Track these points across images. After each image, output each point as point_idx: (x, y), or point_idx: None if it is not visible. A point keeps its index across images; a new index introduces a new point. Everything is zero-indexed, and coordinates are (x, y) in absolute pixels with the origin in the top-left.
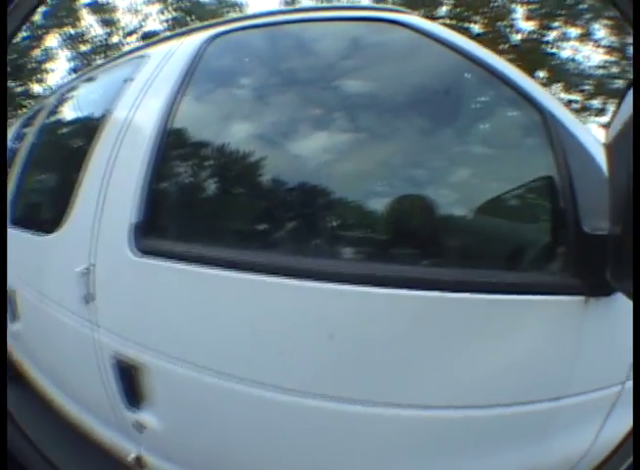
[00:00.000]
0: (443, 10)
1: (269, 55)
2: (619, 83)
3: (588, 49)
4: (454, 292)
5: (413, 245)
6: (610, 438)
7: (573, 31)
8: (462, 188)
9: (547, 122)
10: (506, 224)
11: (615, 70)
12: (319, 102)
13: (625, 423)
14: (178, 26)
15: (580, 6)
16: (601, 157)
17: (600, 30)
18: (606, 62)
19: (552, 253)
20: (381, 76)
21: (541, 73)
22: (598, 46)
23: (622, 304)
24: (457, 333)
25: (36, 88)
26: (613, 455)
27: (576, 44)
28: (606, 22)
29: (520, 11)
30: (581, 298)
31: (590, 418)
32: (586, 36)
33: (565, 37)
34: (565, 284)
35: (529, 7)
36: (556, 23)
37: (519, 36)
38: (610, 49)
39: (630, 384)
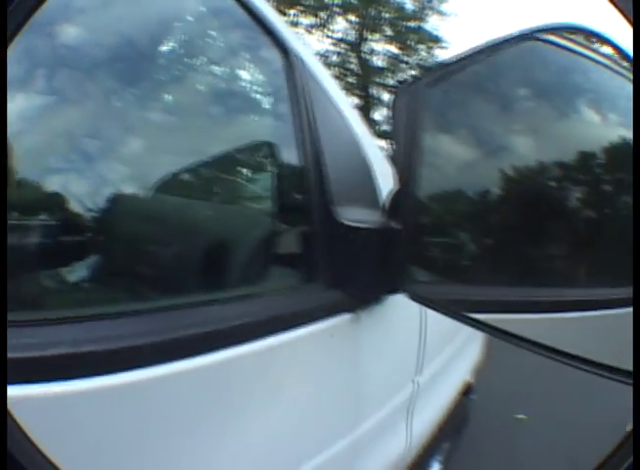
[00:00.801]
0: None
1: None
2: (335, 71)
3: (315, 38)
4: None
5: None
6: (421, 429)
7: (307, 20)
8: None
9: (293, 71)
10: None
11: (335, 58)
12: None
13: (429, 411)
14: None
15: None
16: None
17: (339, 24)
18: (327, 51)
19: (294, 260)
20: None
21: None
22: (329, 37)
23: (393, 303)
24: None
25: None
26: (613, 455)
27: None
28: (353, 17)
29: None
30: (350, 314)
31: (396, 421)
32: (320, 27)
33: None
34: (322, 303)
35: None
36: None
37: None
38: (340, 41)
39: (421, 378)
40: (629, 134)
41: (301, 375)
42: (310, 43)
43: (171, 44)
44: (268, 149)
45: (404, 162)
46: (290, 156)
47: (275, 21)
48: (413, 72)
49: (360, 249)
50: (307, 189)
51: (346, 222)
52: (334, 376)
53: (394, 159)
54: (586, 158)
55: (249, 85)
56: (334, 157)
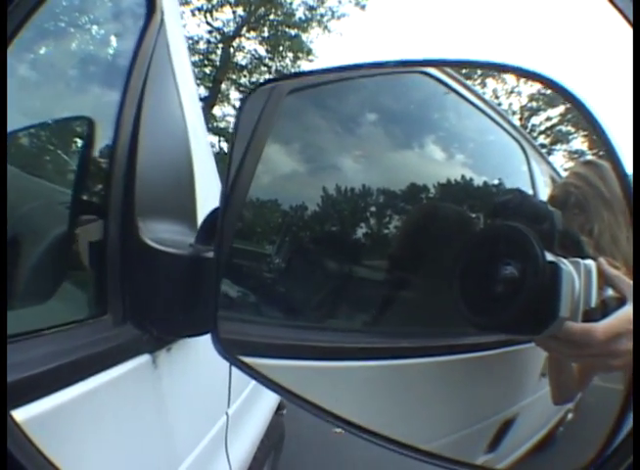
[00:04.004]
0: None
1: None
2: (196, 58)
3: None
4: None
5: None
6: (242, 454)
7: (198, 3)
8: None
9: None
10: None
11: (202, 46)
12: None
13: (247, 436)
14: None
15: None
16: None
17: (225, 13)
18: (199, 37)
19: (83, 281)
20: None
21: None
22: (208, 24)
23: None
24: None
25: None
26: (613, 455)
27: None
28: (241, 11)
29: None
30: (149, 356)
31: (214, 454)
32: (206, 11)
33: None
34: (113, 344)
35: None
36: None
37: None
38: (217, 30)
39: (234, 408)
40: (472, 175)
41: (97, 433)
42: (187, 24)
43: None
44: (86, 125)
45: (238, 166)
46: (105, 139)
47: None
48: (269, 77)
49: (164, 278)
50: (109, 188)
51: (150, 242)
52: (137, 427)
53: (229, 161)
54: (415, 190)
55: (115, 52)
56: (154, 153)
